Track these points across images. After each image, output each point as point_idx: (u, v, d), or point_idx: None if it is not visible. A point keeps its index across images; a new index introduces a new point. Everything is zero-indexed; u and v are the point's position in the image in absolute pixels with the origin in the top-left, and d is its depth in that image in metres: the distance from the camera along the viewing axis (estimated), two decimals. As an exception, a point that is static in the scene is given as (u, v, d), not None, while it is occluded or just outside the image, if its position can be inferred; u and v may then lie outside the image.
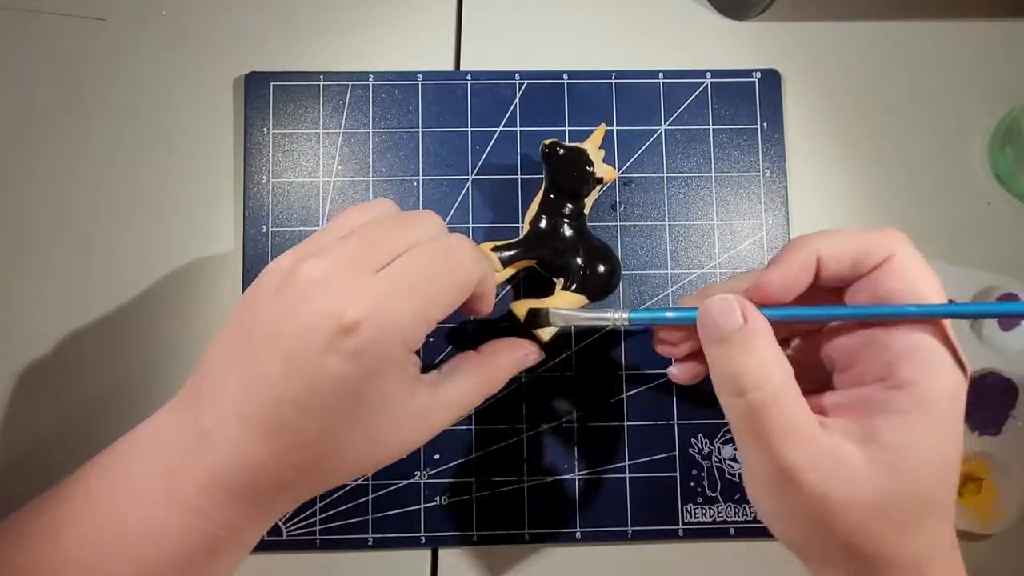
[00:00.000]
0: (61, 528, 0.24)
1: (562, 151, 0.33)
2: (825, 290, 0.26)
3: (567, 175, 0.33)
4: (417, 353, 0.27)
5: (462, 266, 0.27)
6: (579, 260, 0.33)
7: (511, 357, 0.31)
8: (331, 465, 0.25)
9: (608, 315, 0.29)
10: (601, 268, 0.33)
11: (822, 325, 0.26)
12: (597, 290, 0.33)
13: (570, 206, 0.33)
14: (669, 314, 0.28)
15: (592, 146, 0.33)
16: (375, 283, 0.24)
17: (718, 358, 0.24)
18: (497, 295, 0.36)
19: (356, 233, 0.26)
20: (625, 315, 0.29)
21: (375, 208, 0.28)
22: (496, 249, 0.33)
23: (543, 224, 0.33)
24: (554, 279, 0.34)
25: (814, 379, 0.26)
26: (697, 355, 0.29)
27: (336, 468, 0.25)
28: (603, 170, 0.33)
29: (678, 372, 0.29)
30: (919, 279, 0.24)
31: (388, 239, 0.26)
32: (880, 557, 0.23)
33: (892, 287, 0.24)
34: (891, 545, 0.22)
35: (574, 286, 0.33)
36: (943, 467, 0.23)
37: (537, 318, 0.32)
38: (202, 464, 0.24)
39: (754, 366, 0.23)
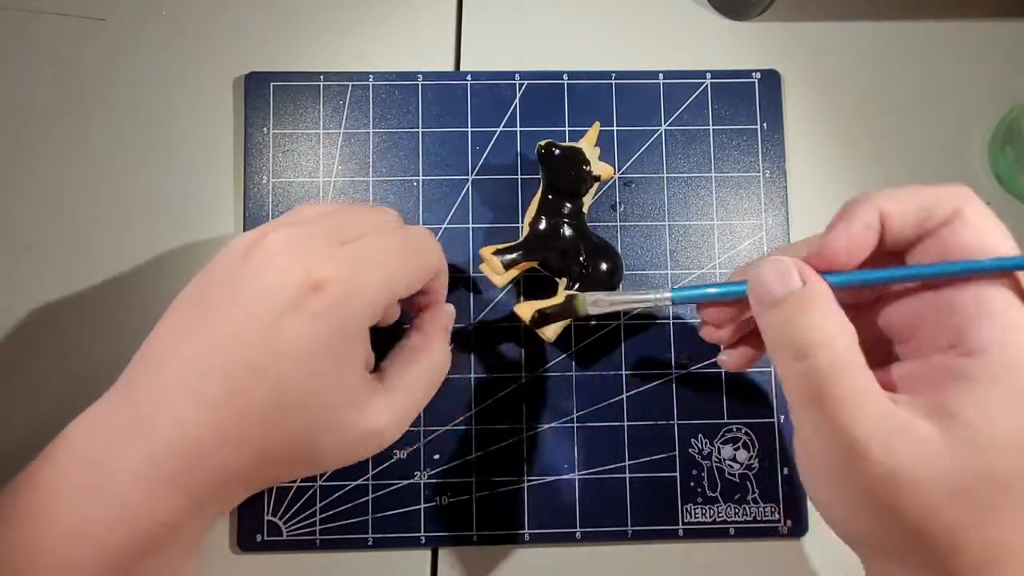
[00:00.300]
0: None
1: (558, 151, 0.33)
2: (887, 255, 0.24)
3: (564, 175, 0.33)
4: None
5: (425, 249, 0.28)
6: (581, 259, 0.33)
7: (437, 324, 0.31)
8: (277, 450, 0.24)
9: (650, 295, 0.29)
10: (604, 266, 0.33)
11: (881, 295, 0.24)
12: (600, 288, 0.33)
13: (569, 205, 0.33)
14: (715, 289, 0.26)
15: (588, 144, 0.33)
16: (343, 251, 0.25)
17: (774, 323, 0.22)
18: (497, 297, 0.36)
19: (323, 214, 0.27)
20: (668, 294, 0.28)
21: (335, 205, 0.29)
22: (497, 252, 0.33)
23: (543, 225, 0.33)
24: (556, 279, 0.34)
25: (875, 355, 0.23)
26: (746, 338, 0.28)
27: (282, 454, 0.24)
28: (600, 168, 0.33)
29: (728, 358, 0.28)
30: (990, 232, 0.21)
31: (354, 220, 0.27)
32: (954, 547, 0.20)
33: (962, 242, 0.21)
34: (967, 531, 0.20)
35: (577, 285, 0.33)
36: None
37: (542, 319, 0.32)
38: (138, 450, 0.22)
39: (815, 328, 0.21)
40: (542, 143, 0.33)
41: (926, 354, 0.22)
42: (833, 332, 0.21)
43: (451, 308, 0.32)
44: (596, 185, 0.34)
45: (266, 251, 0.24)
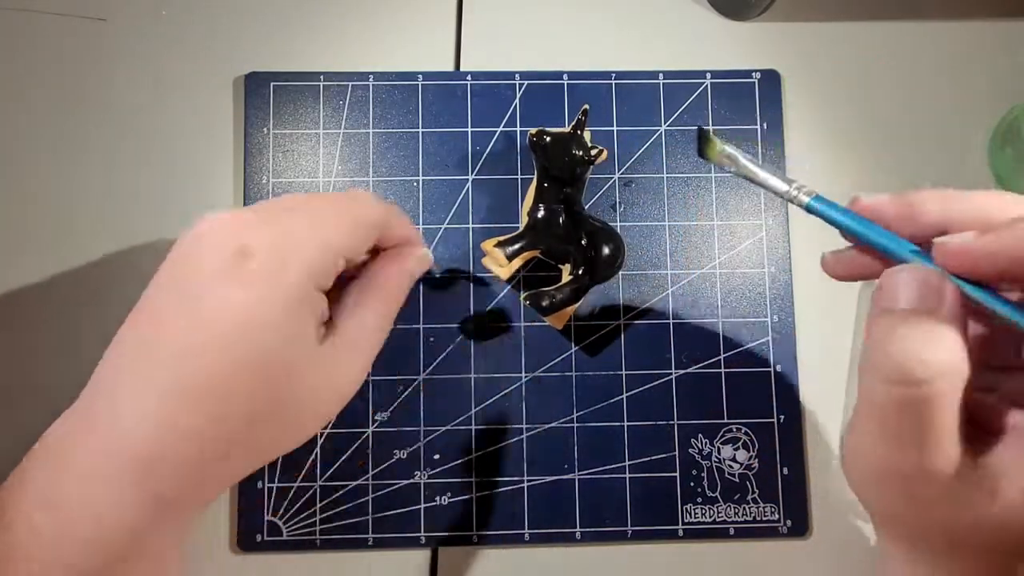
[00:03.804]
0: None
1: (549, 138, 0.33)
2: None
3: (558, 161, 0.33)
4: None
5: (364, 204, 0.26)
6: (583, 243, 0.33)
7: (399, 267, 0.28)
8: (240, 433, 0.23)
9: (785, 186, 0.25)
10: (606, 249, 0.33)
11: None
12: (605, 271, 0.33)
13: (566, 191, 0.33)
14: (856, 225, 0.23)
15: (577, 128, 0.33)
16: (274, 218, 0.24)
17: (886, 333, 0.20)
18: (497, 297, 0.36)
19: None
20: (805, 198, 0.24)
21: None
22: (499, 245, 0.33)
23: (541, 213, 0.33)
24: (559, 266, 0.34)
25: (999, 357, 0.22)
26: (864, 263, 0.24)
27: (246, 435, 0.23)
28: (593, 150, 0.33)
29: (834, 261, 0.25)
30: None
31: (295, 196, 0.26)
32: None
33: None
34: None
35: (581, 270, 0.33)
36: None
37: (551, 306, 0.32)
38: (97, 451, 0.22)
39: (927, 357, 0.19)
40: (532, 131, 0.33)
41: None
42: (943, 367, 0.19)
43: (421, 252, 0.29)
44: (591, 170, 0.34)
45: (196, 231, 0.23)
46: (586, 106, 0.34)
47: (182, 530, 0.24)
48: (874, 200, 0.23)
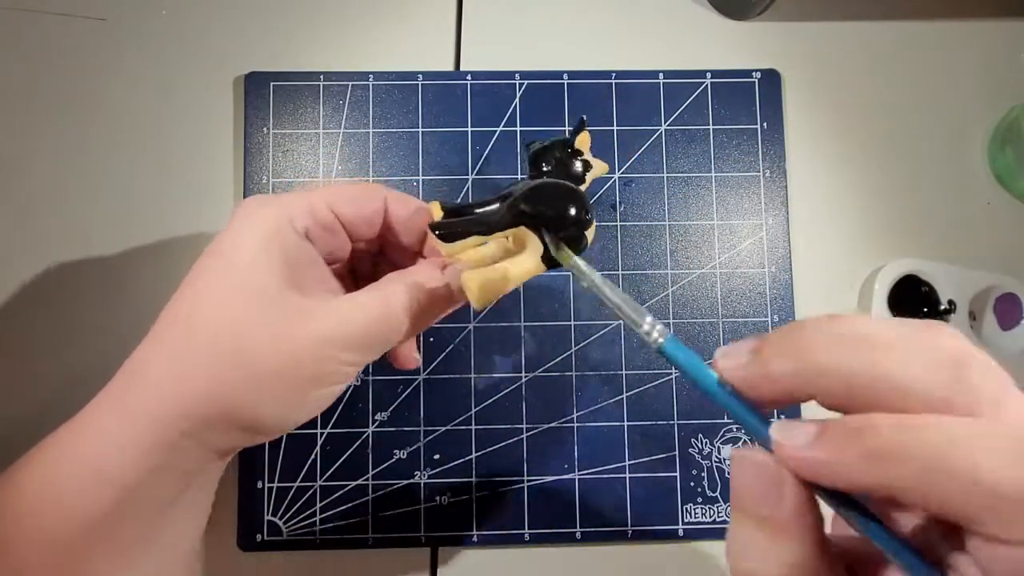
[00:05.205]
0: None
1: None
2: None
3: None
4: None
5: (366, 185, 0.29)
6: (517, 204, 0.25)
7: (400, 275, 0.27)
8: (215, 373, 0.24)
9: (645, 322, 0.21)
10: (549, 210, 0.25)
11: None
12: (553, 211, 0.25)
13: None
14: (707, 383, 0.19)
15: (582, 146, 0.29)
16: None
17: (728, 538, 0.18)
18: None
19: None
20: (659, 339, 0.21)
21: None
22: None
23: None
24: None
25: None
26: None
27: (230, 354, 0.24)
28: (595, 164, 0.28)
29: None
30: None
31: None
32: None
33: None
34: None
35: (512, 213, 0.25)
36: None
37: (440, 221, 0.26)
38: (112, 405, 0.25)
39: (759, 573, 0.17)
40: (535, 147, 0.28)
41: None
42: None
43: (426, 269, 0.28)
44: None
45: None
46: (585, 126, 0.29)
47: (185, 480, 0.25)
48: (729, 364, 0.19)
